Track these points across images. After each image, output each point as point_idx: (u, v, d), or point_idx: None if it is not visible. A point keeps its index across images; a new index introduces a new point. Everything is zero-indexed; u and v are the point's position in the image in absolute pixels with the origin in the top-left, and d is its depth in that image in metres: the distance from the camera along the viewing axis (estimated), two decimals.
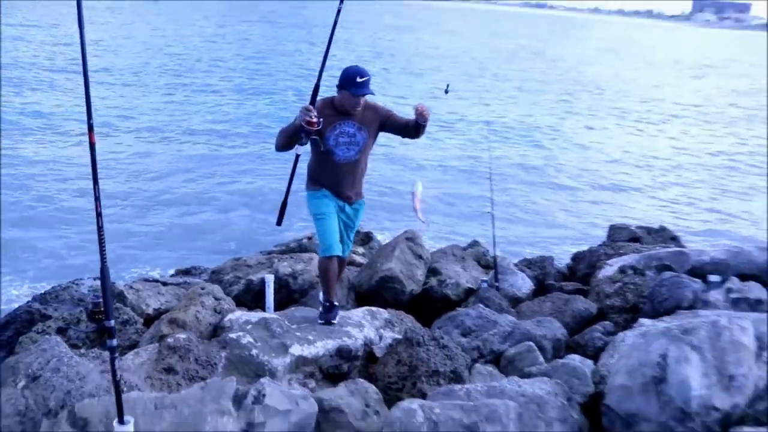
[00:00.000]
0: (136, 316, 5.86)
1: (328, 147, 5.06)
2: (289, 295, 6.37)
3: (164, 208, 12.68)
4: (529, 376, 4.67)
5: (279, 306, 5.89)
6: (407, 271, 6.64)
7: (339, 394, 4.34)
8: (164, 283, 7.10)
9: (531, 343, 5.01)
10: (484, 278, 6.73)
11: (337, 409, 4.26)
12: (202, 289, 5.37)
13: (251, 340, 4.59)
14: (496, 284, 6.57)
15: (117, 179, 13.80)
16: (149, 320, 5.91)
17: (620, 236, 8.74)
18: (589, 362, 4.83)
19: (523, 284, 6.65)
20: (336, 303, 5.23)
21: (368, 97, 5.12)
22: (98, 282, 4.24)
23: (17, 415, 3.46)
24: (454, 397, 4.03)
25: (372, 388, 4.44)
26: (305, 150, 5.12)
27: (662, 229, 9.01)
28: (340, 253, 5.19)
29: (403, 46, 53.30)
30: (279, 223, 5.31)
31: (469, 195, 13.49)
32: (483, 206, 6.68)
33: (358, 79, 4.90)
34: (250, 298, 6.38)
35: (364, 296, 6.64)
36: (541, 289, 6.96)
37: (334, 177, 5.19)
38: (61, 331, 4.86)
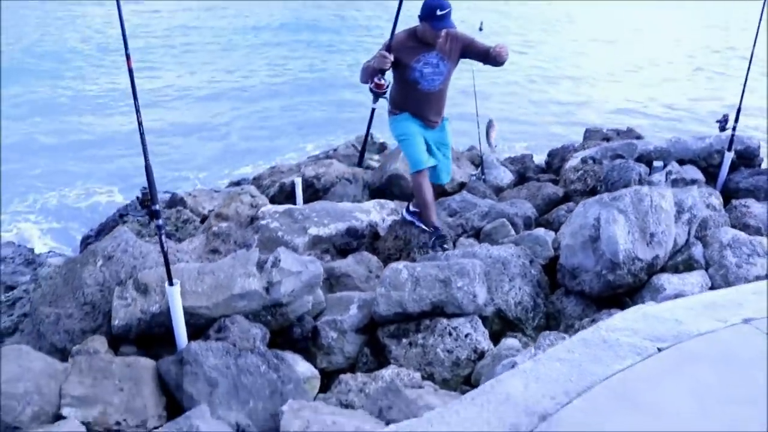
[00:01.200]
0: (194, 216, 6.21)
1: (414, 78, 4.53)
2: (314, 193, 6.62)
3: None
4: (501, 244, 4.91)
5: (306, 201, 6.16)
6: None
7: (347, 263, 4.65)
8: (216, 191, 7.44)
9: (504, 219, 5.23)
10: (473, 173, 6.92)
11: (346, 274, 4.57)
12: (242, 189, 5.66)
13: (278, 224, 4.89)
14: (483, 177, 6.76)
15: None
16: (204, 218, 6.26)
17: (594, 137, 8.79)
18: (552, 233, 5.04)
19: (505, 176, 6.83)
20: (439, 226, 4.78)
21: None
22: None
23: (97, 285, 3.80)
24: (436, 260, 4.29)
25: (374, 258, 4.74)
26: (381, 105, 4.81)
27: (629, 130, 9.01)
28: (432, 164, 4.74)
29: None
30: (360, 164, 5.77)
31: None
32: (481, 113, 6.74)
33: (438, 12, 4.29)
34: (284, 197, 6.65)
35: (376, 192, 6.86)
36: (521, 180, 7.13)
37: (419, 105, 4.67)
38: (121, 217, 5.20)
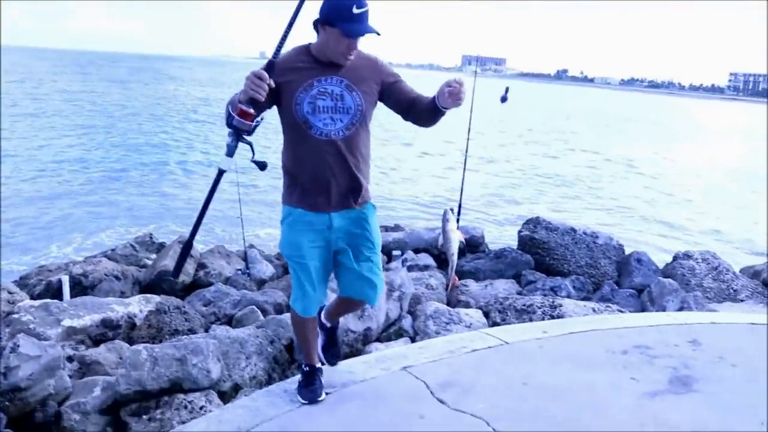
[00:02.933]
0: None
1: (302, 115, 2.85)
2: (83, 289, 6.76)
3: None
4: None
5: (74, 298, 6.30)
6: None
7: (99, 351, 4.91)
8: None
9: (254, 306, 5.80)
10: (239, 268, 7.48)
11: (97, 362, 4.83)
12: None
13: (31, 318, 5.05)
14: (248, 271, 7.33)
15: None
16: None
17: None
18: None
19: (267, 270, 7.47)
20: (318, 365, 3.31)
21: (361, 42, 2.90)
22: None
23: None
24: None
25: (125, 346, 5.04)
26: (241, 163, 3.08)
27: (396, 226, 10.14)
28: (319, 306, 3.24)
29: None
30: (175, 275, 3.25)
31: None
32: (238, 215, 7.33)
33: (355, 10, 2.71)
34: (50, 295, 6.71)
35: (147, 288, 7.15)
36: (286, 271, 7.81)
37: (312, 165, 2.92)
38: None
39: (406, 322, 5.25)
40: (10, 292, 5.68)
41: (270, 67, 2.71)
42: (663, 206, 18.42)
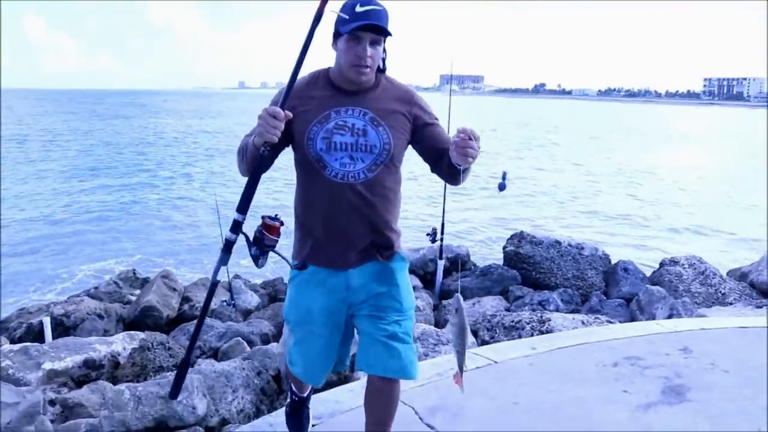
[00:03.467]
0: None
1: (315, 153, 2.34)
2: (65, 330, 6.62)
3: None
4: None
5: (57, 338, 6.16)
6: (163, 301, 7.12)
7: (81, 393, 4.77)
8: None
9: (239, 338, 5.69)
10: (224, 299, 7.36)
11: (79, 404, 4.70)
12: None
13: (10, 363, 4.91)
14: (233, 302, 7.22)
15: None
16: None
17: None
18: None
19: (252, 300, 7.36)
20: (306, 395, 2.96)
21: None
22: None
23: None
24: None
25: (109, 386, 4.90)
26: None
27: None
28: (324, 379, 2.66)
29: None
30: (174, 396, 2.85)
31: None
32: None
33: (359, 8, 2.26)
34: (32, 337, 6.57)
35: (131, 324, 7.01)
36: (272, 301, 7.70)
37: (326, 213, 2.39)
38: None
39: None
40: None
41: (285, 98, 2.26)
42: (649, 213, 18.49)
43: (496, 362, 3.86)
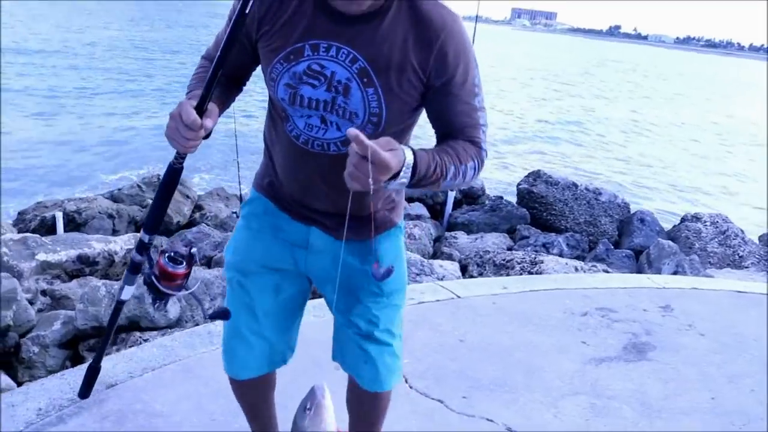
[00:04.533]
0: None
1: (277, 98, 1.53)
2: (76, 226, 6.78)
3: None
4: None
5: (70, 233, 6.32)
6: (175, 207, 7.19)
7: (69, 286, 4.91)
8: None
9: None
10: (235, 210, 7.39)
11: (66, 296, 4.82)
12: None
13: (6, 250, 5.05)
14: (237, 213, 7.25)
15: None
16: None
17: None
18: None
19: None
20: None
21: None
22: None
23: None
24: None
25: (95, 281, 5.02)
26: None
27: None
28: (256, 373, 1.86)
29: None
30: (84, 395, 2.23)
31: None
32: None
33: None
34: (45, 230, 6.76)
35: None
36: None
37: (283, 165, 1.67)
38: None
39: None
40: None
41: (238, 15, 1.42)
42: (689, 168, 17.68)
43: (459, 297, 3.75)
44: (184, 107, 1.39)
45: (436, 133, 1.56)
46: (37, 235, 5.54)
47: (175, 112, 1.40)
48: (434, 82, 1.45)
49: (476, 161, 1.49)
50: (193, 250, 1.69)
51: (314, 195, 1.64)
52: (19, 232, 6.08)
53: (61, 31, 37.28)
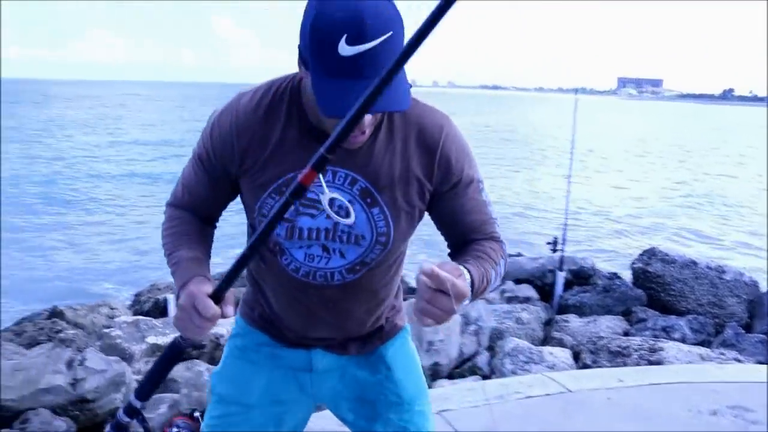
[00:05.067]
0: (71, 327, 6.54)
1: (273, 239, 1.40)
2: None
3: None
4: None
5: None
6: None
7: (176, 369, 4.99)
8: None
9: None
10: None
11: (172, 379, 4.92)
12: (103, 302, 6.06)
13: (120, 332, 5.26)
14: None
15: None
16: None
17: None
18: None
19: None
20: None
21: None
22: None
23: None
24: None
25: (200, 366, 5.11)
26: None
27: None
28: None
29: None
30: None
31: None
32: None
33: (343, 50, 1.10)
34: (158, 312, 7.04)
35: None
36: None
37: (277, 296, 1.56)
38: None
39: (482, 359, 4.87)
40: (111, 308, 5.98)
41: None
42: None
43: (570, 391, 3.47)
44: (200, 300, 1.20)
45: (447, 237, 1.49)
46: (149, 318, 5.75)
47: (187, 303, 1.22)
48: (441, 188, 1.40)
49: (504, 258, 1.44)
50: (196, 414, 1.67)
51: (317, 326, 1.55)
52: (134, 314, 6.35)
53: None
